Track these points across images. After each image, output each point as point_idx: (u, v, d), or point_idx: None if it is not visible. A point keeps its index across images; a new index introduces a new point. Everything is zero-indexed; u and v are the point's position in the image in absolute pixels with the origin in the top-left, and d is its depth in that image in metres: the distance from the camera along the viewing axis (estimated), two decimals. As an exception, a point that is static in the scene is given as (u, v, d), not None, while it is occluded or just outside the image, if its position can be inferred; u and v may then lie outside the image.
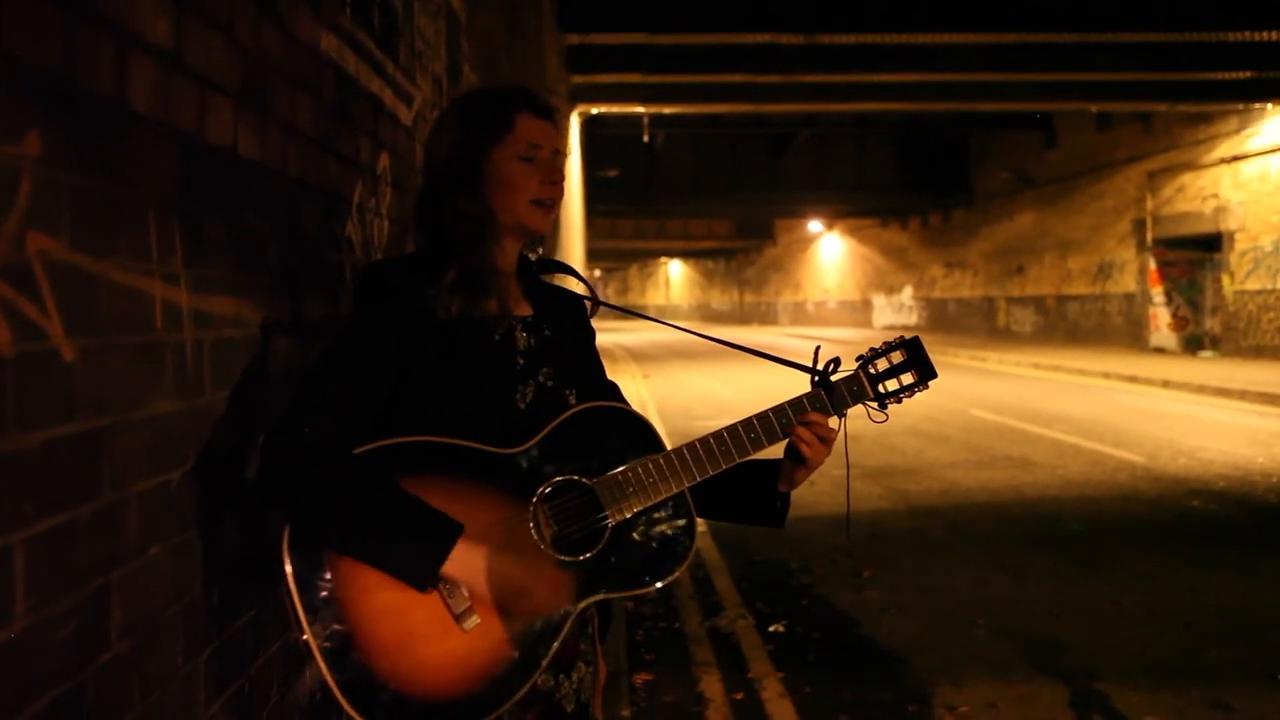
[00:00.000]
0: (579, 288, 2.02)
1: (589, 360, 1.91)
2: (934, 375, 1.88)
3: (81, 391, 1.32)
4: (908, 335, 1.91)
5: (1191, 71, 16.00)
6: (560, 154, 1.83)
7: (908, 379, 1.87)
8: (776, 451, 1.85)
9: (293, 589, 1.56)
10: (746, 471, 1.86)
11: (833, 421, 1.83)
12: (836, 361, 1.85)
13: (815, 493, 1.99)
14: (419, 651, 1.59)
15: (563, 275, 2.04)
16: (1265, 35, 13.88)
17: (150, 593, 1.51)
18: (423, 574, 1.59)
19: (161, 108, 1.55)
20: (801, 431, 1.79)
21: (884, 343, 1.89)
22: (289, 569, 1.56)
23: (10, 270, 1.17)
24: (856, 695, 4.33)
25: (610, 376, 1.97)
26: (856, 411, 1.89)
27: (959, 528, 7.21)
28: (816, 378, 1.83)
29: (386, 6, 3.06)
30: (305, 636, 1.55)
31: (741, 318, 55.32)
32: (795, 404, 1.82)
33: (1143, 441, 10.67)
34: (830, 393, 1.83)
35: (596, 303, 1.96)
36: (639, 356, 24.50)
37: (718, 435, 1.78)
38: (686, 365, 21.45)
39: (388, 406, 1.66)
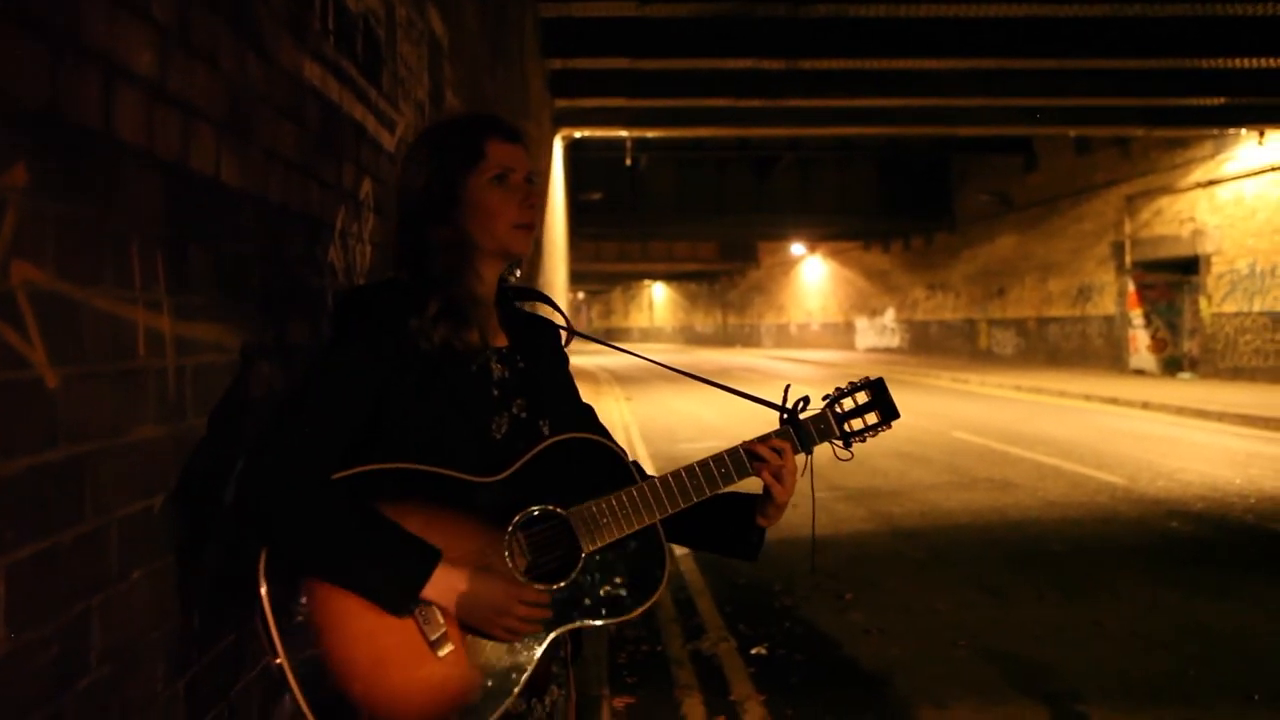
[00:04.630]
0: (554, 315, 2.05)
1: (563, 388, 1.94)
2: (896, 416, 1.93)
3: (64, 418, 1.33)
4: (873, 376, 1.96)
5: (1168, 97, 16.21)
6: (535, 175, 1.87)
7: (872, 419, 1.91)
8: (755, 485, 1.89)
9: (268, 613, 1.57)
10: (725, 503, 1.90)
11: (800, 458, 1.87)
12: (805, 400, 1.90)
13: (799, 515, 2.02)
14: (393, 677, 1.61)
15: (539, 304, 2.06)
16: (1239, 62, 14.09)
17: (131, 618, 1.51)
18: (401, 599, 1.60)
19: (146, 137, 1.56)
20: (764, 471, 1.83)
21: (850, 383, 1.93)
22: (264, 593, 1.58)
23: (-5, 299, 1.19)
24: (839, 718, 4.33)
25: (593, 400, 2.00)
26: (829, 446, 1.94)
27: (941, 550, 7.24)
28: (785, 415, 1.88)
29: (370, 34, 3.09)
30: (279, 660, 1.56)
31: (725, 340, 55.44)
32: (764, 440, 1.86)
33: (1123, 463, 10.75)
34: (798, 430, 1.87)
35: (571, 333, 1.98)
36: (622, 379, 24.51)
37: (690, 469, 1.82)
38: (669, 388, 21.47)
39: (364, 433, 1.68)
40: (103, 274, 1.43)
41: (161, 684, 1.62)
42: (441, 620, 1.63)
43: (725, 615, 5.72)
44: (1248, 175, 19.50)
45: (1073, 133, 21.57)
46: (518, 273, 1.92)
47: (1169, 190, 21.56)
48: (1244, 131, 18.97)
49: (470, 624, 1.65)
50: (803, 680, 4.77)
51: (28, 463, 1.25)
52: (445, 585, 1.61)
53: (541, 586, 1.71)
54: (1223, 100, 16.07)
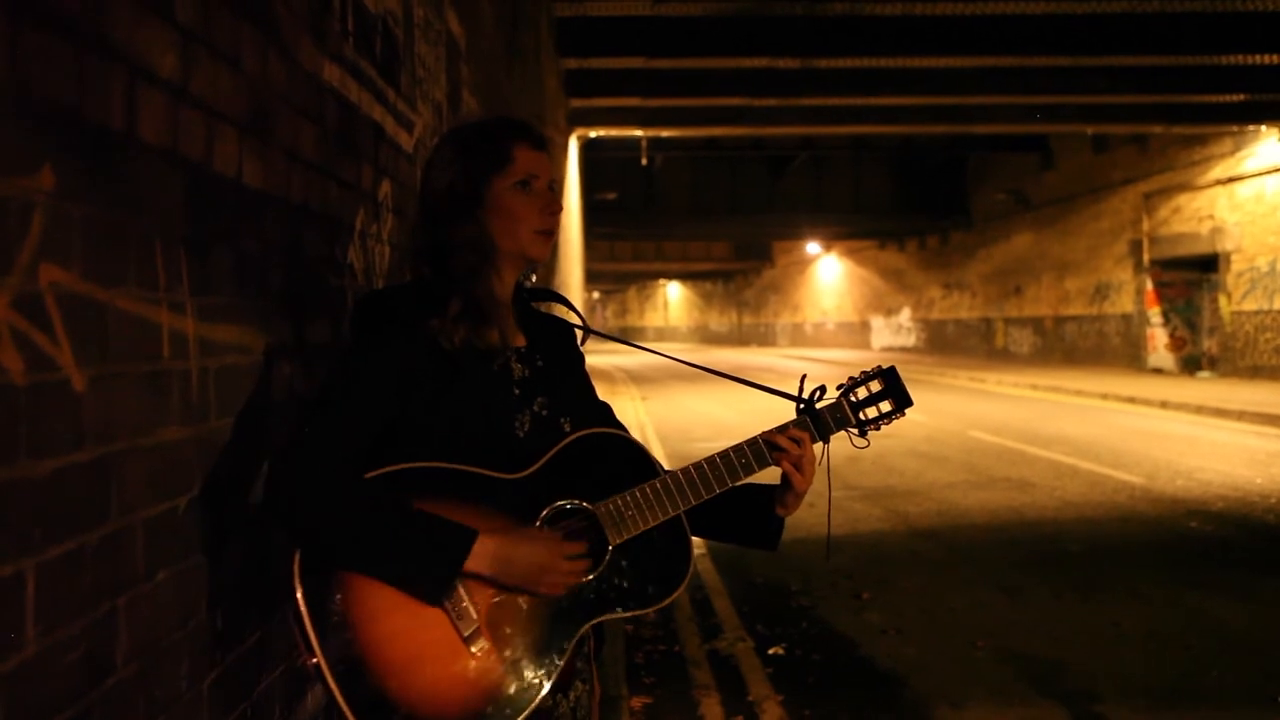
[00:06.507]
0: (570, 315, 2.06)
1: (581, 386, 1.96)
2: (909, 403, 1.95)
3: (91, 420, 1.34)
4: (885, 365, 1.97)
5: (1187, 94, 16.11)
6: (556, 184, 1.88)
7: (886, 406, 1.94)
8: (773, 476, 1.90)
9: (304, 612, 1.58)
10: (745, 494, 1.92)
11: (817, 447, 1.89)
12: (821, 389, 1.92)
13: (815, 514, 2.04)
14: (428, 673, 1.63)
15: (555, 304, 2.08)
16: (1259, 58, 13.99)
17: (156, 617, 1.52)
18: (442, 581, 1.62)
19: (169, 138, 1.57)
20: (784, 461, 1.85)
21: (863, 372, 1.96)
22: (300, 593, 1.59)
23: (23, 301, 1.19)
24: (856, 718, 4.33)
25: (609, 399, 2.01)
26: (845, 437, 1.95)
27: (958, 549, 7.21)
28: (801, 405, 1.90)
29: (388, 35, 3.10)
30: (316, 659, 1.58)
31: (740, 339, 55.37)
32: (782, 430, 1.88)
33: (1141, 462, 10.68)
34: (815, 419, 1.89)
35: (587, 331, 2.01)
36: (638, 379, 24.51)
37: (710, 460, 1.84)
38: (685, 387, 21.45)
39: (389, 434, 1.69)
40: (127, 275, 1.44)
41: (186, 683, 1.63)
42: (475, 615, 1.65)
43: (742, 615, 5.72)
44: (1268, 172, 19.34)
45: (1090, 130, 21.46)
46: (533, 277, 1.94)
47: (1188, 188, 21.41)
48: (1264, 128, 18.83)
49: (516, 585, 1.66)
50: (820, 680, 4.76)
51: (55, 464, 1.26)
52: (487, 554, 1.63)
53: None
54: (1243, 97, 15.95)
